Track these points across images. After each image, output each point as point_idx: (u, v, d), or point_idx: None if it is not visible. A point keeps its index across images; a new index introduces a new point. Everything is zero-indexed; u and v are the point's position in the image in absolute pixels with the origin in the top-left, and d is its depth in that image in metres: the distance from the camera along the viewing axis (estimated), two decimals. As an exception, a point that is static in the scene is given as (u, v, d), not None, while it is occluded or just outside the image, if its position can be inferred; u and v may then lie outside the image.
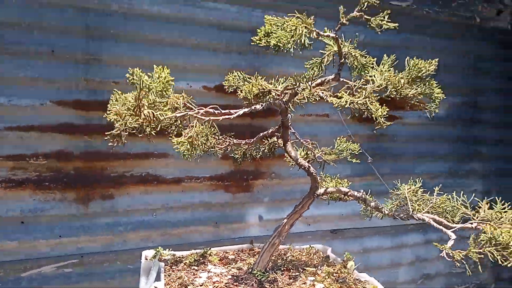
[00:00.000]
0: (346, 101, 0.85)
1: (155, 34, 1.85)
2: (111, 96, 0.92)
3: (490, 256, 0.96)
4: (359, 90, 0.90)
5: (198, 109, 1.01)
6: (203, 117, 0.98)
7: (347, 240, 2.42)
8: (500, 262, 0.93)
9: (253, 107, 1.01)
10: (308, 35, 0.83)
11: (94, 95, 1.74)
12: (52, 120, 1.71)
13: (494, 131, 2.87)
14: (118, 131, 0.86)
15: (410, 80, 0.91)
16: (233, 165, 2.02)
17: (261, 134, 1.20)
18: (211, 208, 2.01)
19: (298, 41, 0.88)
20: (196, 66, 1.94)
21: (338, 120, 1.05)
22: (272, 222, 2.06)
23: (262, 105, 1.02)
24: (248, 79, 1.15)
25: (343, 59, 0.91)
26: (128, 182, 1.84)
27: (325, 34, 0.88)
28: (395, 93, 0.87)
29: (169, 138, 1.09)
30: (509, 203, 1.12)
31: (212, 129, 1.10)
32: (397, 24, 0.87)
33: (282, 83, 1.17)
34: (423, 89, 0.89)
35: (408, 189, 1.25)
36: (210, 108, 1.01)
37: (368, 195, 1.26)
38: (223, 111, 1.01)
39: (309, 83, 0.92)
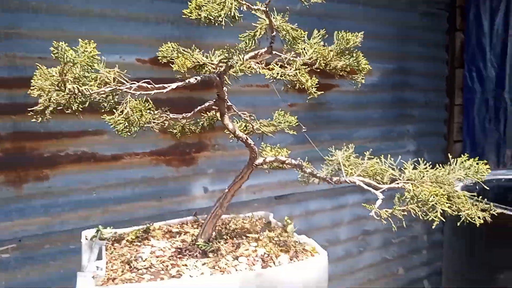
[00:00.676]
0: (278, 73, 0.87)
1: (82, 4, 1.73)
2: (35, 72, 0.87)
3: (413, 212, 1.06)
4: (290, 62, 0.92)
5: (130, 84, 0.98)
6: (135, 92, 0.95)
7: (291, 204, 2.52)
8: (420, 217, 1.02)
9: (187, 81, 0.99)
10: (237, 8, 0.83)
11: (16, 71, 1.61)
12: (-28, 100, 1.57)
13: (422, 95, 3.08)
14: (42, 107, 0.82)
15: (339, 52, 0.94)
16: (174, 139, 1.99)
17: (198, 108, 1.19)
18: (153, 183, 1.99)
19: (229, 13, 0.87)
20: (128, 37, 1.85)
21: (278, 90, 1.08)
22: (218, 193, 2.09)
23: (196, 79, 1.01)
24: (182, 51, 1.13)
25: (274, 32, 0.91)
26: (63, 161, 1.76)
27: (255, 7, 0.88)
28: (324, 65, 0.90)
29: (102, 117, 1.05)
30: (430, 162, 1.23)
31: (147, 104, 1.08)
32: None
33: (219, 56, 1.16)
34: (350, 60, 0.93)
35: (342, 155, 1.33)
36: (143, 82, 0.98)
37: (306, 162, 1.31)
38: (156, 86, 0.98)
39: (242, 56, 0.92)
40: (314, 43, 0.92)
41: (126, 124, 1.03)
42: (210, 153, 2.14)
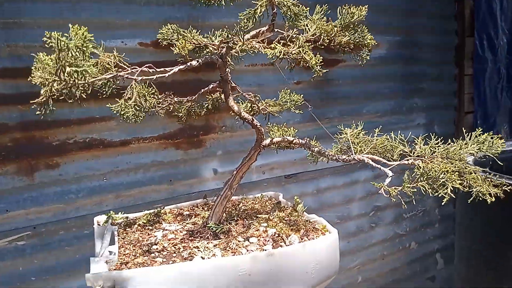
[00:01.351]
0: (280, 52, 0.85)
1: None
2: (34, 61, 0.86)
3: (423, 189, 1.04)
4: (293, 40, 0.89)
5: (131, 69, 0.97)
6: (137, 78, 0.94)
7: (302, 183, 2.52)
8: (430, 194, 1.00)
9: (188, 64, 0.98)
10: (236, -14, 0.80)
11: (20, 61, 1.61)
12: (-22, 91, 1.58)
13: (432, 68, 3.00)
14: (44, 98, 0.81)
15: (343, 27, 0.91)
16: (181, 122, 1.99)
17: (202, 90, 1.18)
18: (163, 167, 2.00)
19: (228, -9, 0.85)
20: (129, 22, 1.82)
21: (283, 68, 1.05)
22: (228, 174, 2.09)
23: (198, 61, 0.99)
24: (182, 33, 1.11)
25: (275, 9, 0.89)
26: (73, 148, 1.77)
27: (255, -17, 0.85)
28: (328, 41, 0.87)
29: (107, 105, 1.05)
30: (442, 136, 1.20)
31: (150, 89, 1.07)
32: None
33: (219, 36, 1.14)
34: (355, 36, 0.90)
35: (351, 132, 1.30)
36: (145, 67, 0.97)
37: (314, 141, 1.30)
38: (158, 70, 0.97)
39: (242, 35, 0.90)
40: (317, 19, 0.89)
41: (134, 111, 1.03)
42: (218, 135, 2.13)
